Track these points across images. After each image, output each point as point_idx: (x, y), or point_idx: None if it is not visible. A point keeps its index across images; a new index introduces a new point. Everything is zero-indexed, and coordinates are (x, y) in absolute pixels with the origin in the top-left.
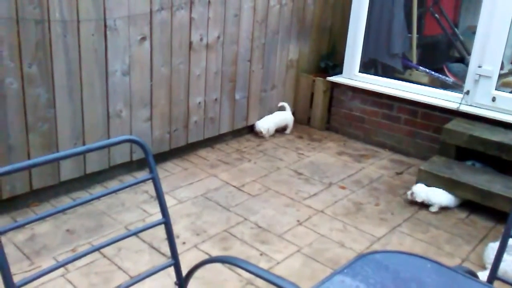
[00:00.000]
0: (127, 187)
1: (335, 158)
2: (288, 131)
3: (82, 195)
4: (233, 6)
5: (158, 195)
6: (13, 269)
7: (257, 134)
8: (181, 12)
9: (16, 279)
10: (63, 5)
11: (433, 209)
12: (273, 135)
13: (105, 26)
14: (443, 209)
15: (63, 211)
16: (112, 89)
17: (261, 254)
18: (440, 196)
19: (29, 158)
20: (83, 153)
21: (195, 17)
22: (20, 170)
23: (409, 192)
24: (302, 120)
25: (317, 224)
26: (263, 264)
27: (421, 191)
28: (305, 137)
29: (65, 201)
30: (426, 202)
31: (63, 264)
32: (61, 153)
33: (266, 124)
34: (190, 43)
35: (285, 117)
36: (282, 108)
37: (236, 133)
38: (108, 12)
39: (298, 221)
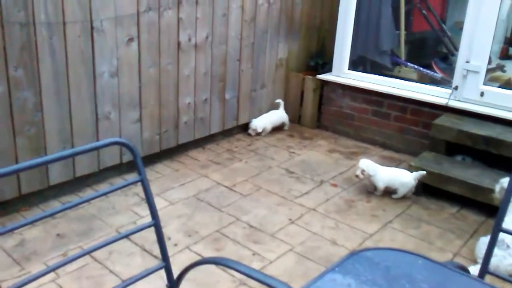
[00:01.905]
0: (115, 190)
1: (326, 156)
2: (286, 127)
3: (72, 199)
4: (221, 6)
5: (147, 197)
6: (2, 275)
7: (252, 133)
8: (169, 12)
9: (5, 285)
10: (48, 7)
11: (378, 193)
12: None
13: (92, 27)
14: (435, 204)
15: (52, 215)
16: (100, 91)
17: (253, 254)
18: (381, 179)
19: (17, 162)
20: (70, 156)
21: (183, 17)
22: (5, 175)
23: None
24: (293, 118)
25: (309, 223)
26: (256, 264)
27: (363, 164)
28: (296, 135)
29: (54, 205)
30: (365, 175)
31: (53, 269)
32: (48, 157)
33: (263, 122)
34: (179, 44)
35: (280, 115)
36: (276, 106)
37: (226, 133)
38: (94, 13)
39: (290, 219)
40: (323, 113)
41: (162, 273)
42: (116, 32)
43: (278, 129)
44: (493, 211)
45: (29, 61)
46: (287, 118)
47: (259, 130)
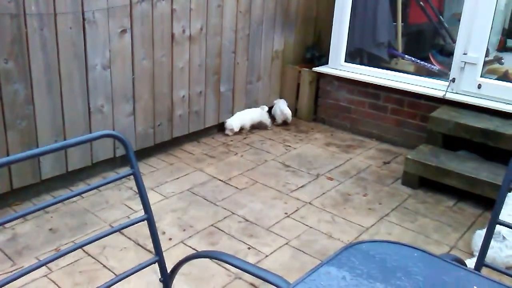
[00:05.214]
0: (107, 183)
1: (322, 149)
2: (269, 127)
3: (64, 193)
4: None
5: (139, 191)
6: None
7: (229, 133)
8: (162, 3)
9: None
10: None
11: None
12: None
13: (83, 19)
14: (432, 197)
15: (43, 208)
16: (93, 83)
17: (249, 248)
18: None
19: (8, 156)
20: (61, 148)
21: (177, 8)
22: None
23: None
24: None
25: (305, 216)
26: (251, 258)
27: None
28: (292, 128)
29: (47, 199)
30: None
31: (45, 263)
32: (39, 149)
33: (238, 121)
34: (172, 35)
35: (258, 114)
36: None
37: (222, 126)
38: (86, 4)
39: (286, 213)
40: (319, 106)
41: (156, 267)
42: (108, 23)
43: (262, 127)
44: (490, 204)
45: (20, 53)
46: (265, 117)
47: (236, 130)
